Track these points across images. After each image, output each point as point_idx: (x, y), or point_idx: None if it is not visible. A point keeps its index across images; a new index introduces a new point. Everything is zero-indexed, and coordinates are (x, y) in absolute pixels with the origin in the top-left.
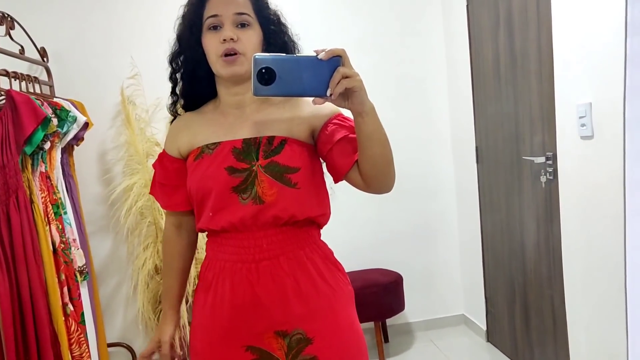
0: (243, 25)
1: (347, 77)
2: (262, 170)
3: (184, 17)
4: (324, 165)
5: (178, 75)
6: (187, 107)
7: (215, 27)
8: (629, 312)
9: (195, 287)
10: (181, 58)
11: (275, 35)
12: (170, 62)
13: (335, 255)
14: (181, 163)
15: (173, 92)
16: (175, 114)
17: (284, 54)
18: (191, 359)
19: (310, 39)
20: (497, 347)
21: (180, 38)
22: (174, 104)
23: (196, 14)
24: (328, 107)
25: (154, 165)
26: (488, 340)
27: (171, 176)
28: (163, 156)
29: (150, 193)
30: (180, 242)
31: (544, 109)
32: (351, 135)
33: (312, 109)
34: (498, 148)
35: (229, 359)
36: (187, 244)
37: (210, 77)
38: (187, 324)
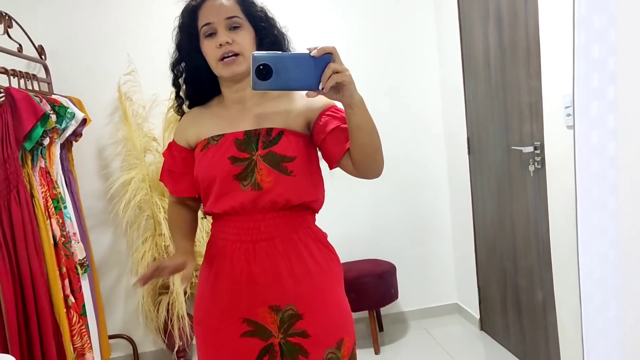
0: (235, 27)
1: (337, 72)
2: (261, 160)
3: (180, 27)
4: (319, 154)
5: (180, 81)
6: (194, 105)
7: (210, 34)
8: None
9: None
10: (182, 64)
11: (266, 31)
12: (172, 69)
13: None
14: (188, 153)
15: (177, 96)
16: (181, 115)
17: (280, 52)
18: (194, 327)
19: (303, 35)
20: (490, 335)
21: (179, 47)
22: (179, 106)
23: (191, 25)
24: (322, 100)
25: (164, 154)
26: (482, 329)
27: (178, 164)
28: (172, 145)
29: (160, 180)
30: (186, 209)
31: (532, 100)
32: (343, 126)
33: (307, 103)
34: (489, 139)
35: (227, 328)
36: (192, 214)
37: (213, 77)
38: (185, 314)
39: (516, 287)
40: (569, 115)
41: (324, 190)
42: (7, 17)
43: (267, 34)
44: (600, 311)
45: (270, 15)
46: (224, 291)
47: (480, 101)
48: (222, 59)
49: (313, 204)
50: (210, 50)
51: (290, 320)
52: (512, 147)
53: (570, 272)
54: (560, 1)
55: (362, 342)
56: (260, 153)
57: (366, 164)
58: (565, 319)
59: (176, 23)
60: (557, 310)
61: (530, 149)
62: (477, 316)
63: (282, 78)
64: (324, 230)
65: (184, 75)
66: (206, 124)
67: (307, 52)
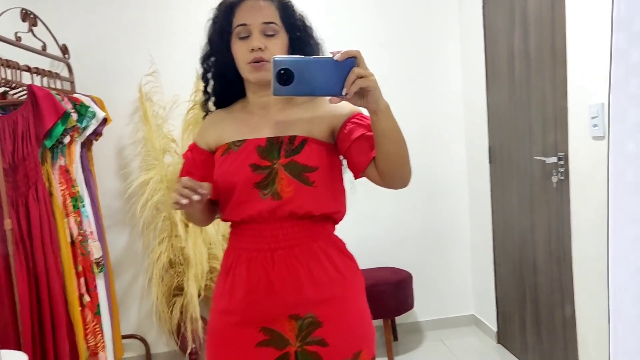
0: (270, 35)
1: (362, 77)
2: (283, 169)
3: (214, 20)
4: (344, 163)
5: (209, 75)
6: (218, 105)
7: (244, 37)
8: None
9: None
10: (211, 59)
11: (300, 40)
12: (202, 63)
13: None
14: (208, 155)
15: (205, 91)
16: (207, 111)
17: (302, 56)
18: (207, 339)
19: (326, 39)
20: (508, 349)
21: (210, 41)
22: (205, 101)
23: (226, 21)
24: (347, 107)
25: (184, 155)
26: (499, 342)
27: (198, 166)
28: (193, 147)
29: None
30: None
31: (557, 109)
32: (368, 134)
33: (332, 109)
34: (511, 148)
35: (243, 338)
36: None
37: (239, 78)
38: (198, 317)
39: (536, 301)
40: (595, 125)
41: (346, 201)
42: (31, 16)
43: (301, 44)
44: (633, 328)
45: (308, 24)
46: (239, 300)
47: (503, 109)
48: (252, 62)
49: (334, 215)
50: (241, 52)
51: (309, 328)
52: (535, 158)
53: (595, 287)
54: (588, 9)
55: (376, 351)
56: (282, 162)
57: (392, 173)
58: (587, 336)
59: (210, 15)
60: (578, 326)
61: (553, 159)
62: (495, 329)
63: (304, 83)
64: (342, 236)
65: (212, 71)
66: (228, 128)
67: (330, 56)
